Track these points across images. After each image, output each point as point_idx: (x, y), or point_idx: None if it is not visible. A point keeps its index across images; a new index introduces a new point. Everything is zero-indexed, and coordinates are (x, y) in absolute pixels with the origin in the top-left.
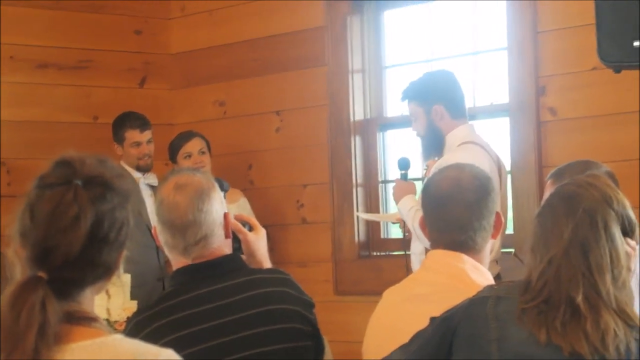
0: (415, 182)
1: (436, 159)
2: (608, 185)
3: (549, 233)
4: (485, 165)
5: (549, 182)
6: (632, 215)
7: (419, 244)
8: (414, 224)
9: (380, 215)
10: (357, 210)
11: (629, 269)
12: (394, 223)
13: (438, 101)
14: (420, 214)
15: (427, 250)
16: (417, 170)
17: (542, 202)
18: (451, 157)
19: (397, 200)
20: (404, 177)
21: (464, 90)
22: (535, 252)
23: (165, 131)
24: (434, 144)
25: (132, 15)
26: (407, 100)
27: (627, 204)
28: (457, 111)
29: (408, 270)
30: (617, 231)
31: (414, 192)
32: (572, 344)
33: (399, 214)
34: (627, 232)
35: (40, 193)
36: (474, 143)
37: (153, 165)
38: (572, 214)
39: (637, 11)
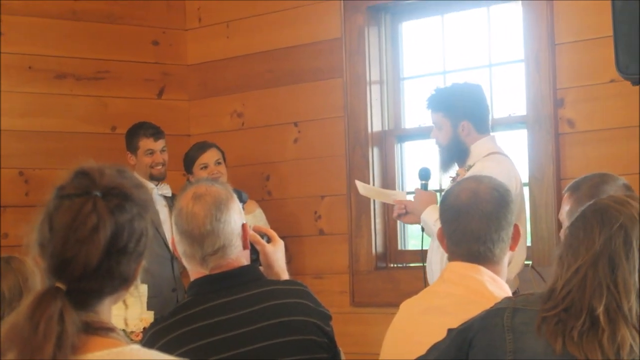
0: (436, 193)
1: (464, 167)
2: None
3: (580, 243)
4: (513, 174)
5: (565, 195)
6: None
7: (442, 255)
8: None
9: (379, 190)
10: (374, 222)
11: None
12: (385, 202)
13: (467, 117)
14: None
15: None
16: (437, 180)
17: (573, 214)
18: (485, 166)
19: (420, 211)
20: (425, 187)
21: (489, 105)
22: (563, 260)
23: (183, 142)
24: (457, 156)
25: (150, 26)
26: (432, 109)
27: None
28: (483, 126)
29: (426, 283)
30: None
31: (436, 202)
32: (587, 355)
33: (424, 224)
34: None
35: (58, 203)
36: (500, 153)
37: (167, 175)
38: (606, 227)
39: None
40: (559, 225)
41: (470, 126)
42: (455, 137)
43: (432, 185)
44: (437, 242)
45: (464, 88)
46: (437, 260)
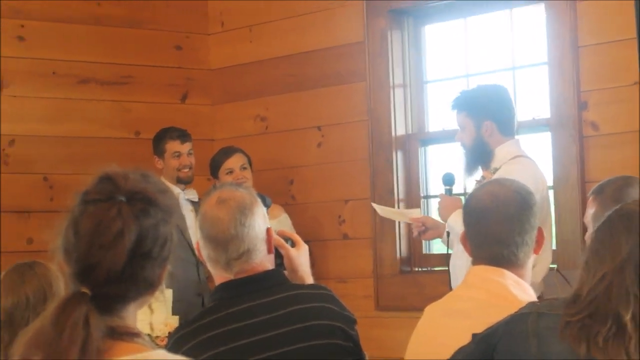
0: (461, 197)
1: (490, 170)
2: None
3: (606, 249)
4: (540, 178)
5: (590, 198)
6: None
7: (467, 260)
8: None
9: (395, 211)
10: (399, 226)
11: None
12: (407, 222)
13: (490, 117)
14: None
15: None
16: (461, 184)
17: (600, 218)
18: (511, 169)
19: (446, 216)
20: (449, 192)
21: (514, 107)
22: (589, 266)
23: (206, 146)
24: (481, 158)
25: (173, 30)
26: (456, 110)
27: None
28: (507, 128)
29: (450, 287)
30: None
31: (461, 207)
32: None
33: (450, 229)
34: None
35: (83, 209)
36: (526, 157)
37: (194, 179)
38: (633, 234)
39: None
40: (584, 228)
41: (493, 127)
42: (479, 138)
43: (457, 189)
44: (462, 247)
45: (488, 89)
46: (461, 264)
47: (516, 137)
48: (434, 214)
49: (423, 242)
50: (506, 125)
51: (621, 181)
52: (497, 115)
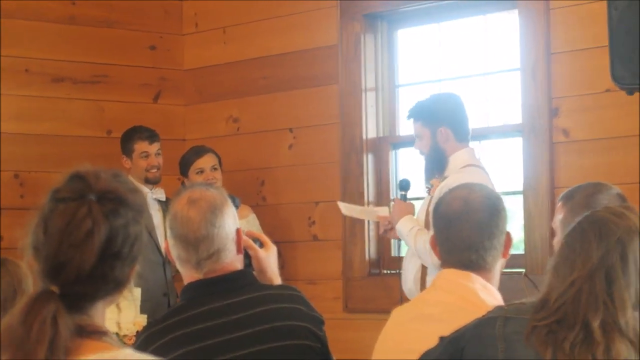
0: (414, 203)
1: (439, 178)
2: None
3: (576, 255)
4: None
5: (559, 204)
6: None
7: (416, 262)
8: (417, 244)
9: (361, 209)
10: (368, 228)
11: None
12: (369, 220)
13: (444, 124)
14: (421, 232)
15: (423, 267)
16: (419, 189)
17: (568, 225)
18: (458, 178)
19: (396, 221)
20: (403, 197)
21: (469, 114)
22: (559, 271)
23: (178, 147)
24: (437, 164)
25: (147, 30)
26: (412, 119)
27: None
28: (462, 135)
29: (401, 291)
30: None
31: (413, 213)
32: None
33: (399, 234)
34: None
35: (53, 207)
36: (476, 166)
37: (161, 179)
38: (604, 241)
39: None
40: (553, 233)
41: (448, 132)
42: (435, 144)
43: (414, 194)
44: (412, 251)
45: (442, 96)
46: (412, 268)
47: (470, 145)
48: None
49: (392, 244)
50: (461, 132)
51: (591, 188)
52: (451, 121)
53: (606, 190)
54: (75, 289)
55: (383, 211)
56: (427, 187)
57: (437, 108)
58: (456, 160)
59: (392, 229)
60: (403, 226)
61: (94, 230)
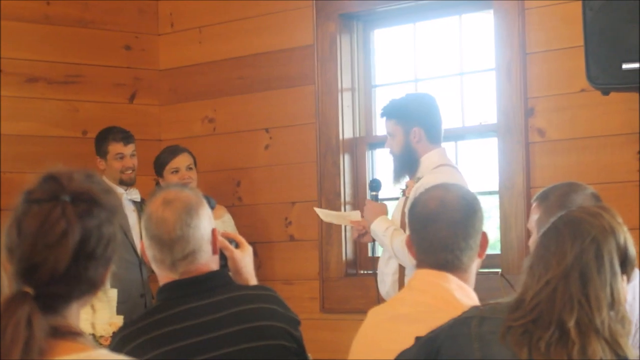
0: (387, 203)
1: (414, 179)
2: (615, 218)
3: (551, 255)
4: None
5: (534, 204)
6: (633, 253)
7: (393, 263)
8: (393, 245)
9: (336, 214)
10: (345, 229)
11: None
12: (345, 225)
13: (418, 124)
14: (397, 233)
15: (401, 269)
16: (389, 190)
17: (544, 224)
18: (432, 178)
19: (370, 222)
20: (375, 198)
21: (443, 115)
22: (534, 271)
23: (154, 147)
24: (408, 165)
25: (122, 30)
26: (385, 118)
27: (631, 241)
28: (434, 136)
29: (378, 293)
30: (619, 267)
31: (386, 213)
32: None
33: (374, 235)
34: (624, 269)
35: (27, 208)
36: (450, 166)
37: (136, 180)
38: (578, 240)
39: (626, 34)
40: (529, 234)
41: (422, 133)
42: (407, 144)
43: (384, 194)
44: (388, 254)
45: (417, 97)
46: (389, 271)
47: (442, 145)
48: None
49: (369, 245)
50: (433, 133)
51: (566, 187)
52: (425, 122)
53: (581, 190)
54: (49, 290)
55: (355, 216)
56: (401, 189)
57: (411, 108)
58: (428, 160)
59: (367, 233)
60: (378, 227)
61: (67, 231)
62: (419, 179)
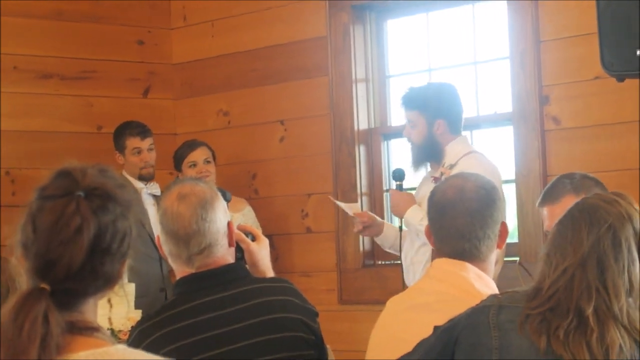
0: (412, 193)
1: (446, 167)
2: (632, 204)
3: (568, 243)
4: (497, 172)
5: (545, 209)
6: None
7: (426, 250)
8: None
9: (344, 205)
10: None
11: None
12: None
13: (442, 116)
14: None
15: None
16: (411, 180)
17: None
18: (469, 164)
19: (401, 212)
20: (400, 188)
21: (463, 105)
22: (551, 259)
23: (169, 141)
24: (431, 155)
25: (135, 25)
26: (406, 106)
27: None
28: (456, 126)
29: (403, 282)
30: (636, 253)
31: (415, 202)
32: (574, 354)
33: (407, 224)
34: None
35: (41, 204)
36: (478, 152)
37: (155, 175)
38: (595, 228)
39: None
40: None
41: (445, 125)
42: (430, 135)
43: (407, 184)
44: (419, 242)
45: (440, 87)
46: (421, 259)
47: (463, 133)
48: None
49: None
50: (456, 124)
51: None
52: (449, 115)
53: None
54: (65, 285)
55: (356, 207)
56: (433, 177)
57: (435, 100)
58: (453, 150)
59: (370, 226)
60: (412, 217)
61: (82, 226)
62: (451, 165)
